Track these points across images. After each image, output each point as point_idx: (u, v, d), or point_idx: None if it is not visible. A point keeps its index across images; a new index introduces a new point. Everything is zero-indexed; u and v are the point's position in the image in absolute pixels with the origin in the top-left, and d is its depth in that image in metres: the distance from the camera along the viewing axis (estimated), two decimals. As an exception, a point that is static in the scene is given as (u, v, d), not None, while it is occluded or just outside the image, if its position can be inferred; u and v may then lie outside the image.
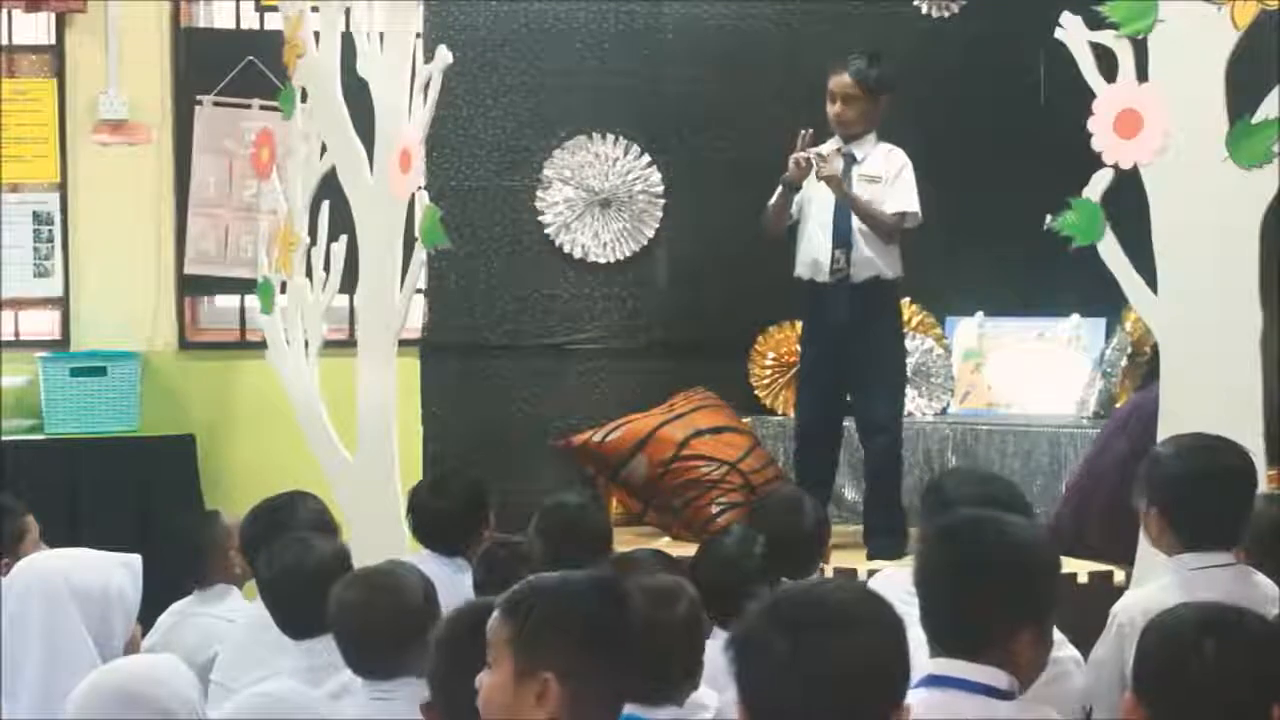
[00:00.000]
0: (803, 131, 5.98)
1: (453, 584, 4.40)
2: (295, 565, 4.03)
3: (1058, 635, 3.48)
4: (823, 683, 2.36)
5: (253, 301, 6.67)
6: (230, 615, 4.83)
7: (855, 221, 6.00)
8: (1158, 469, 3.91)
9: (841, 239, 6.01)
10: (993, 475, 4.64)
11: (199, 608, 4.97)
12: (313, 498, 4.76)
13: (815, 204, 6.05)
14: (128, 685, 3.20)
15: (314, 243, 5.97)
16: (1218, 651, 2.67)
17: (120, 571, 3.73)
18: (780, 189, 6.05)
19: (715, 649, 3.42)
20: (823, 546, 4.84)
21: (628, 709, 2.83)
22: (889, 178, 6.01)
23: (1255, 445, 4.15)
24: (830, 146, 6.09)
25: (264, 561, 4.14)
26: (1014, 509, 3.89)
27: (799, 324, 6.50)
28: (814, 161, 5.95)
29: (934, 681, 2.83)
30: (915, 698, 2.62)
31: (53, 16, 7.36)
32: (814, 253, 6.04)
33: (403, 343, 5.91)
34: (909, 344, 6.54)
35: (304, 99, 6.00)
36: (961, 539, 2.97)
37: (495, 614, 2.79)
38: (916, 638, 2.82)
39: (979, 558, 2.91)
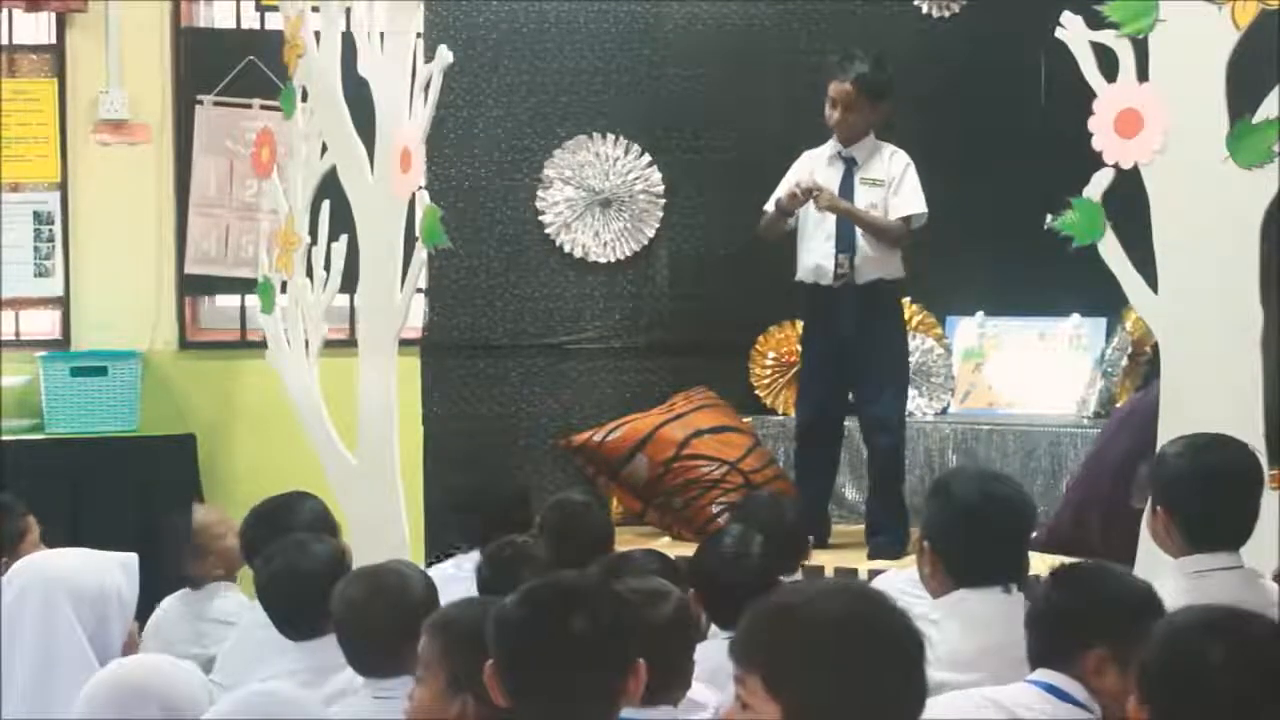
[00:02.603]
0: (798, 181, 5.98)
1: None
2: (290, 567, 4.02)
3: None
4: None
5: (253, 301, 6.66)
6: (222, 616, 4.82)
7: (859, 225, 6.00)
8: (1163, 468, 3.90)
9: (845, 243, 6.00)
10: (998, 475, 4.62)
11: (182, 606, 4.95)
12: (313, 497, 4.75)
13: (816, 209, 6.04)
14: (137, 680, 3.21)
15: (314, 242, 5.96)
16: (1226, 655, 2.67)
17: (118, 571, 3.73)
18: (774, 209, 6.06)
19: (715, 649, 3.42)
20: (804, 545, 4.87)
21: (624, 711, 2.82)
22: (893, 182, 6.01)
23: (1256, 445, 4.13)
24: (830, 149, 6.09)
25: (260, 564, 4.13)
26: (1018, 509, 3.90)
27: (799, 324, 6.49)
28: (813, 195, 5.94)
29: (1037, 685, 3.22)
30: (1026, 692, 3.20)
31: (53, 16, 7.34)
32: (817, 257, 6.04)
33: (403, 342, 5.90)
34: (909, 343, 6.54)
35: (304, 99, 6.00)
36: (1068, 587, 3.34)
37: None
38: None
39: (1078, 604, 3.28)
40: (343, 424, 5.90)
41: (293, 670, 3.85)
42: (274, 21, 7.18)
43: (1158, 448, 4.25)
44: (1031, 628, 3.31)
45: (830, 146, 6.10)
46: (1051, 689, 3.18)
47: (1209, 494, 3.79)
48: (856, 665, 2.38)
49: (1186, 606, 2.90)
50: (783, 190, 6.05)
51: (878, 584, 4.34)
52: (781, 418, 6.85)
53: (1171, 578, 3.78)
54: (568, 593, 2.82)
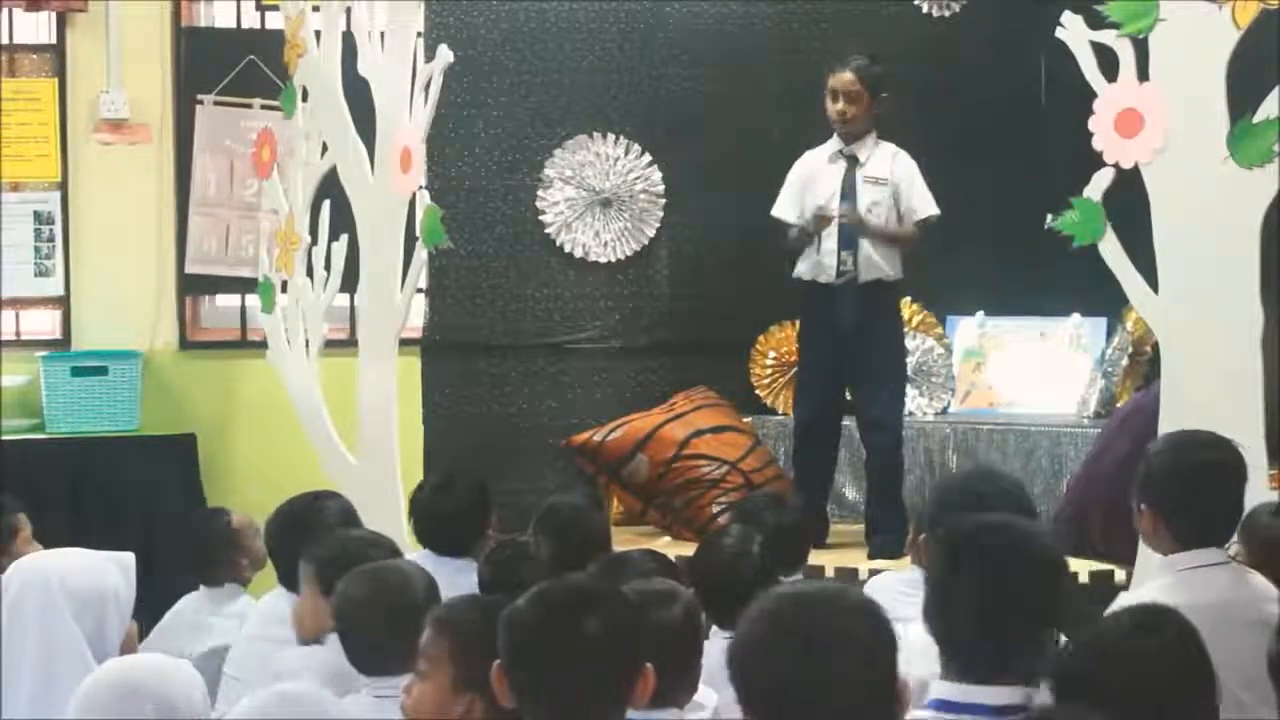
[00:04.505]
0: (821, 208, 5.99)
1: (455, 585, 4.39)
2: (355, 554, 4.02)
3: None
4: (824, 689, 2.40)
5: (254, 301, 6.67)
6: (240, 616, 4.83)
7: (862, 222, 6.01)
8: (1148, 467, 3.90)
9: (848, 241, 6.00)
10: (1001, 474, 4.62)
11: (208, 606, 4.98)
12: (337, 496, 4.74)
13: (819, 205, 6.04)
14: (133, 680, 3.20)
15: (315, 242, 5.98)
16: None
17: (114, 571, 3.72)
18: (797, 234, 6.04)
19: (714, 649, 3.42)
20: (805, 544, 4.87)
21: (629, 713, 2.83)
22: (904, 185, 6.00)
23: (1256, 444, 4.15)
24: (831, 147, 6.09)
25: (316, 547, 4.12)
26: (1022, 508, 3.90)
27: (799, 323, 6.49)
28: (848, 217, 5.96)
29: (943, 706, 2.76)
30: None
31: (54, 16, 7.34)
32: (818, 253, 6.04)
33: (403, 342, 5.91)
34: (909, 343, 6.54)
35: (305, 98, 6.01)
36: (982, 547, 2.89)
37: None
38: (917, 635, 2.83)
39: (1001, 564, 2.85)
40: (343, 424, 5.90)
41: (326, 662, 3.82)
42: (274, 21, 7.18)
43: (1155, 447, 4.25)
44: (964, 632, 2.80)
45: (831, 145, 6.10)
46: (948, 705, 2.76)
47: (1191, 490, 3.77)
48: (794, 673, 2.39)
49: (1118, 609, 2.87)
50: (795, 203, 6.04)
51: (875, 584, 4.35)
52: (781, 417, 6.84)
53: (1159, 574, 3.78)
54: (580, 595, 2.82)
